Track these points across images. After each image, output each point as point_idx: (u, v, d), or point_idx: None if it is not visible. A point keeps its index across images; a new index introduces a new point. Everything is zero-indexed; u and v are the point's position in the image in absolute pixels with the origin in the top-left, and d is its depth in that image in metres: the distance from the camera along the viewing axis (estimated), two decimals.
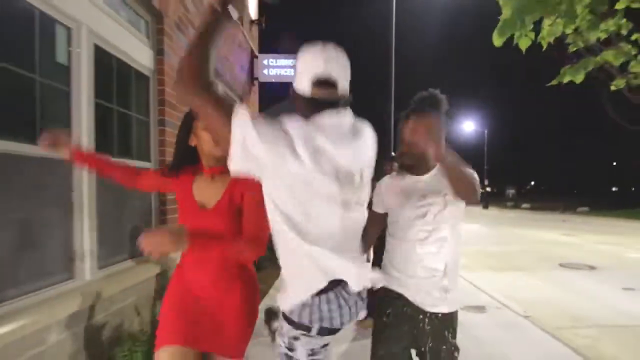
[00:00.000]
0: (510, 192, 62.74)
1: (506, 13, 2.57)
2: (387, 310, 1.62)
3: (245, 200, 1.45)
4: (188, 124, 1.51)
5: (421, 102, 1.61)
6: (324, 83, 1.13)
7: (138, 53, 3.13)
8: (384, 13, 8.13)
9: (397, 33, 7.88)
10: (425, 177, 1.60)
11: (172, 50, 3.56)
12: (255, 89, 7.59)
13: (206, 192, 1.50)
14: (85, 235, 2.44)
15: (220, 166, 1.48)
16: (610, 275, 6.54)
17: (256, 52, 7.37)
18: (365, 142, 1.22)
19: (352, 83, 1.24)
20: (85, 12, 2.45)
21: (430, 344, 1.55)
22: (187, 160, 1.54)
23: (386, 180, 1.77)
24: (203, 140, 1.47)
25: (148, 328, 2.82)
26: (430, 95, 1.62)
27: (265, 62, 7.28)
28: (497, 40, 2.77)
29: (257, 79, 7.29)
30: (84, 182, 2.43)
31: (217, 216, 1.46)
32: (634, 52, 2.99)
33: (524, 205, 35.83)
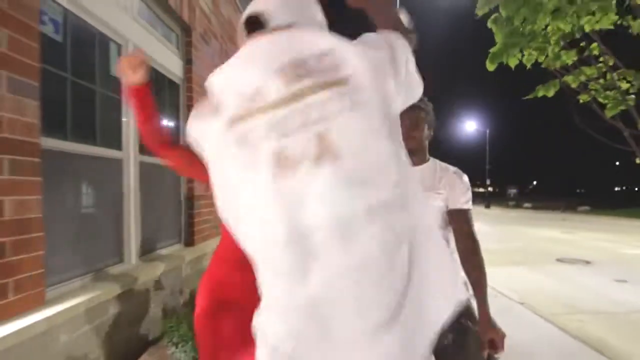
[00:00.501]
0: (512, 191, 63.11)
1: (497, 46, 3.11)
2: None
3: None
4: None
5: None
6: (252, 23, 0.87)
7: (170, 63, 3.50)
8: None
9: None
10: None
11: (199, 59, 3.93)
12: None
13: None
14: (132, 226, 2.81)
15: None
16: (604, 269, 6.87)
17: None
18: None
19: None
20: (131, 30, 2.82)
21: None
22: None
23: None
24: None
25: (187, 314, 3.19)
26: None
27: None
28: (490, 66, 3.32)
29: None
30: (131, 179, 2.80)
31: None
32: (595, 74, 3.49)
33: (526, 205, 36.07)
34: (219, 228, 2.06)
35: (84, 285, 2.28)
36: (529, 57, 3.39)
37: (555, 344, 3.42)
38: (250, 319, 0.89)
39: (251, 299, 1.00)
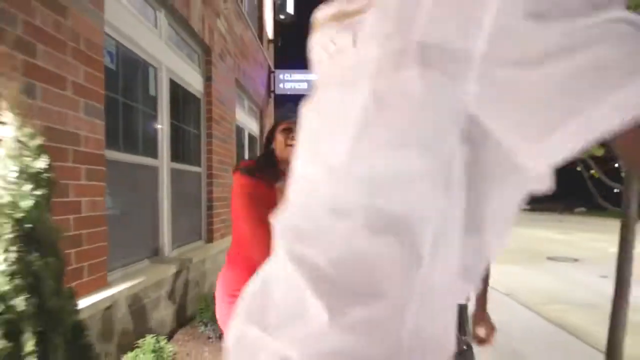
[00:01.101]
0: None
1: None
2: None
3: None
4: (271, 131, 1.54)
5: None
6: None
7: (193, 80, 3.95)
8: None
9: None
10: None
11: (216, 76, 4.38)
12: (272, 101, 8.43)
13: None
14: (165, 224, 3.25)
15: None
16: (591, 265, 7.29)
17: (272, 68, 8.22)
18: None
19: None
20: (164, 54, 3.27)
21: None
22: (269, 164, 1.50)
23: None
24: (276, 141, 1.49)
25: (211, 292, 3.62)
26: None
27: (281, 76, 8.13)
28: None
29: (273, 91, 8.13)
30: (165, 184, 3.24)
31: None
32: None
33: (524, 207, 36.53)
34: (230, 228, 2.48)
35: (130, 273, 2.71)
36: None
37: (535, 330, 3.83)
38: None
39: None
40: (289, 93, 8.16)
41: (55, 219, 1.37)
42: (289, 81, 8.13)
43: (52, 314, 1.13)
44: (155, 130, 3.18)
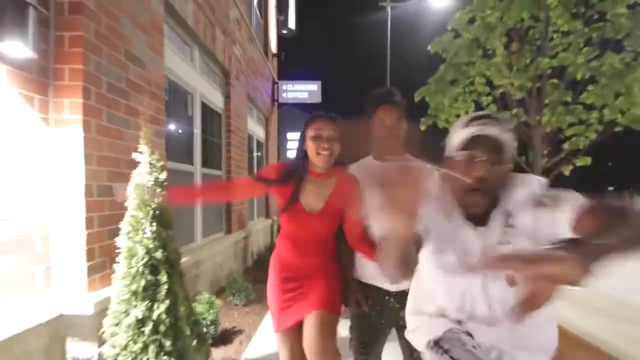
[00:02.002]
0: None
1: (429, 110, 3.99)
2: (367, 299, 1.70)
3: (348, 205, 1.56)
4: (303, 132, 1.63)
5: (384, 94, 1.65)
6: None
7: (216, 99, 4.79)
8: (382, 35, 9.81)
9: (393, 51, 9.57)
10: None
11: (233, 94, 5.22)
12: (276, 109, 9.27)
13: (311, 196, 1.63)
14: (198, 218, 4.10)
15: (325, 173, 1.63)
16: None
17: (276, 79, 9.06)
18: None
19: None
20: (196, 82, 4.11)
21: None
22: (302, 163, 1.64)
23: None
24: (308, 147, 1.60)
25: (238, 275, 4.46)
26: (389, 90, 1.68)
27: (284, 87, 8.97)
28: (421, 125, 4.30)
29: (277, 100, 8.97)
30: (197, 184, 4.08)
31: (323, 219, 1.62)
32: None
33: None
34: (245, 222, 3.25)
35: (188, 250, 3.55)
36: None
37: None
38: (300, 288, 1.65)
39: (303, 275, 1.68)
40: (290, 102, 9.03)
41: None
42: (291, 91, 8.98)
43: (173, 262, 1.98)
44: (192, 143, 4.02)
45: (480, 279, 1.00)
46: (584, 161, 2.46)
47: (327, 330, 1.58)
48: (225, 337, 3.01)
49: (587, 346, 3.19)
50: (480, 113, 1.01)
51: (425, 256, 1.09)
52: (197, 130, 4.10)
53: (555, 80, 2.50)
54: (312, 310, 1.60)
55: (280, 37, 9.54)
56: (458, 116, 2.97)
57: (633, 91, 2.01)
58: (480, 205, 0.98)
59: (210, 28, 4.27)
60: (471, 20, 2.54)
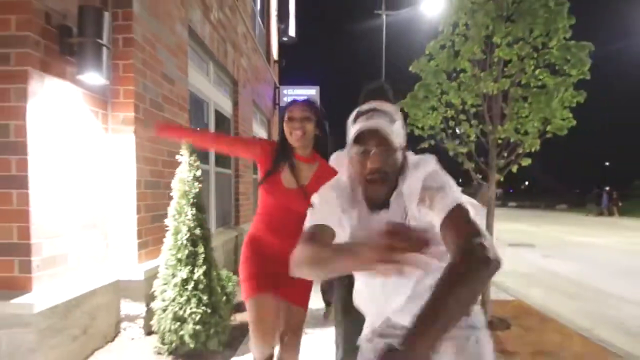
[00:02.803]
0: (498, 191, 66.10)
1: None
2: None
3: None
4: (281, 119, 1.71)
5: (375, 89, 1.69)
6: None
7: (226, 106, 5.40)
8: (378, 42, 10.43)
9: (388, 57, 10.15)
10: None
11: (241, 101, 5.84)
12: (277, 112, 9.89)
13: (291, 175, 1.69)
14: (212, 209, 4.71)
15: (308, 158, 1.71)
16: (540, 249, 8.83)
17: (277, 84, 9.69)
18: None
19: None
20: (211, 92, 4.73)
21: None
22: (285, 145, 1.70)
23: None
24: (285, 130, 1.68)
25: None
26: (380, 84, 1.72)
27: (285, 91, 9.60)
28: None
29: (278, 104, 9.59)
30: (212, 183, 4.70)
31: (299, 197, 1.64)
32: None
33: (511, 204, 38.20)
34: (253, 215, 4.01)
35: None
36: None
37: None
38: (269, 263, 1.63)
39: (282, 257, 1.37)
40: None
41: None
42: (292, 95, 9.59)
43: (207, 238, 2.60)
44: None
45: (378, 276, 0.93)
46: (526, 161, 3.02)
47: (302, 328, 1.75)
48: (240, 306, 3.63)
49: (548, 319, 3.85)
50: (365, 107, 1.04)
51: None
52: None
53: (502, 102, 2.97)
54: (295, 305, 1.70)
55: (281, 45, 10.17)
56: (432, 127, 3.43)
57: (552, 106, 2.60)
58: (380, 192, 1.03)
59: (222, 44, 4.89)
60: (443, 46, 3.11)
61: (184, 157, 2.62)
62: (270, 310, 1.66)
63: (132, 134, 2.77)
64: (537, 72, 2.86)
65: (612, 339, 3.24)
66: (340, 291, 1.83)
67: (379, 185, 1.01)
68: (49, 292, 2.15)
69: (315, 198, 1.09)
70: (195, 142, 2.22)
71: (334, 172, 1.59)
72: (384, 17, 12.83)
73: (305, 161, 1.71)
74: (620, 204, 23.90)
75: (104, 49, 2.37)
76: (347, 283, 1.56)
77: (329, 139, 1.78)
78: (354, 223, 1.06)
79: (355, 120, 1.03)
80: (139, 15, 2.83)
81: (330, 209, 1.05)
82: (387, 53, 10.41)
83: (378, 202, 1.04)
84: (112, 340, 2.74)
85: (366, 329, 1.18)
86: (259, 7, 8.16)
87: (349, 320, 1.72)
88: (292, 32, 10.11)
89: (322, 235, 1.00)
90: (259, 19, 8.12)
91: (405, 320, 0.92)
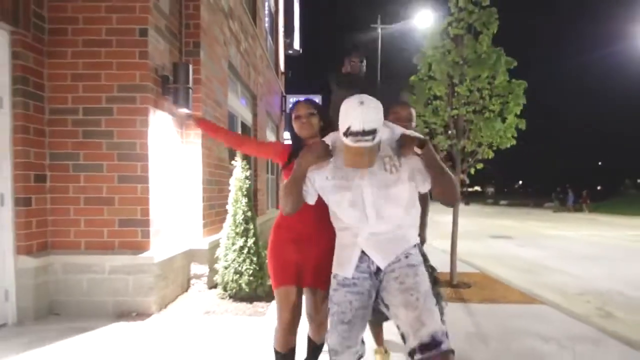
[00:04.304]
0: (490, 190, 67.74)
1: None
2: None
3: None
4: (289, 119, 1.89)
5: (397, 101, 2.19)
6: None
7: (248, 117, 6.54)
8: (374, 53, 11.57)
9: (384, 67, 11.32)
10: None
11: (258, 112, 6.97)
12: (284, 118, 11.03)
13: None
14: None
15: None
16: (517, 240, 10.04)
17: (284, 93, 10.83)
18: None
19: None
20: (239, 109, 5.86)
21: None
22: (298, 141, 1.87)
23: None
24: (294, 127, 1.86)
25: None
26: (405, 102, 2.24)
27: (291, 100, 10.74)
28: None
29: (285, 111, 10.73)
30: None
31: None
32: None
33: (502, 202, 39.59)
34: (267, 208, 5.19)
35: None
36: None
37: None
38: (294, 248, 1.80)
39: (306, 237, 1.81)
40: None
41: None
42: None
43: (254, 219, 3.75)
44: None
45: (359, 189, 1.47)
46: (480, 165, 4.18)
47: (327, 305, 1.75)
48: None
49: (500, 283, 5.02)
50: (361, 128, 1.30)
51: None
52: None
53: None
54: (320, 290, 1.83)
55: (287, 57, 11.30)
56: None
57: (495, 128, 3.77)
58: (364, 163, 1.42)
59: (247, 68, 6.02)
60: (421, 79, 4.25)
61: (238, 162, 3.76)
62: (293, 301, 1.83)
63: (199, 146, 3.91)
64: (491, 100, 4.05)
65: (548, 298, 4.41)
66: None
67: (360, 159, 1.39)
68: (157, 253, 3.30)
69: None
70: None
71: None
72: (379, 30, 14.04)
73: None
74: (588, 201, 26.69)
75: (190, 90, 3.51)
76: None
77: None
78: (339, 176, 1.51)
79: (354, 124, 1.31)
80: (204, 61, 3.97)
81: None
82: (383, 63, 11.57)
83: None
84: (186, 290, 3.88)
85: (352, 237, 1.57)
86: (268, 25, 9.29)
87: None
88: (297, 45, 11.24)
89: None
90: (268, 35, 9.24)
91: (381, 228, 1.51)
